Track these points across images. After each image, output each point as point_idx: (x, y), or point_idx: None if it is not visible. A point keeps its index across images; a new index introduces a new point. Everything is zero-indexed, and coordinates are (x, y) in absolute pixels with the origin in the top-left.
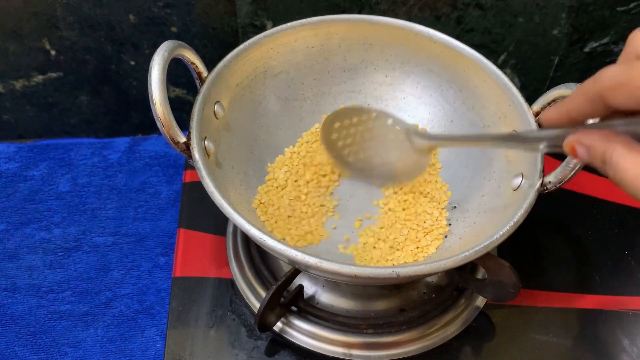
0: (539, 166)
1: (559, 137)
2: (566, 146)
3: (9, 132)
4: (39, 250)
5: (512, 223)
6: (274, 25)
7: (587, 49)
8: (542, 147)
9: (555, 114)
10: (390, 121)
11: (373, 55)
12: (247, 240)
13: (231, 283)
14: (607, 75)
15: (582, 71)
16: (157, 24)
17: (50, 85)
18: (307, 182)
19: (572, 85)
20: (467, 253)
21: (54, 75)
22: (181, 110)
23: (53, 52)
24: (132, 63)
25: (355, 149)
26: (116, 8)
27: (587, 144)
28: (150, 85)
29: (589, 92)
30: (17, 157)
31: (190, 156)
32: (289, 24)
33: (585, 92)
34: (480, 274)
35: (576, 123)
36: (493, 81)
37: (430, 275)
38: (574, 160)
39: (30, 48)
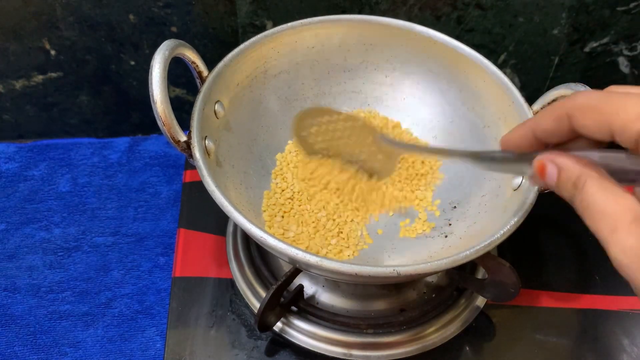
0: None
1: (523, 158)
2: (536, 163)
3: (9, 132)
4: (39, 250)
5: (512, 223)
6: (274, 25)
7: (587, 49)
8: (505, 167)
9: (517, 135)
10: (360, 123)
11: (373, 56)
12: (247, 240)
13: (231, 283)
14: (582, 97)
15: (582, 71)
16: (157, 23)
17: (50, 85)
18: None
19: (572, 85)
20: (467, 252)
21: (54, 75)
22: (181, 110)
23: (53, 52)
24: (132, 63)
25: (326, 145)
26: (116, 8)
27: (560, 164)
28: (151, 84)
29: (558, 110)
30: (17, 157)
31: (190, 155)
32: (289, 24)
33: (554, 110)
34: (481, 273)
35: (539, 145)
36: (493, 81)
37: (430, 274)
38: None
39: (30, 48)
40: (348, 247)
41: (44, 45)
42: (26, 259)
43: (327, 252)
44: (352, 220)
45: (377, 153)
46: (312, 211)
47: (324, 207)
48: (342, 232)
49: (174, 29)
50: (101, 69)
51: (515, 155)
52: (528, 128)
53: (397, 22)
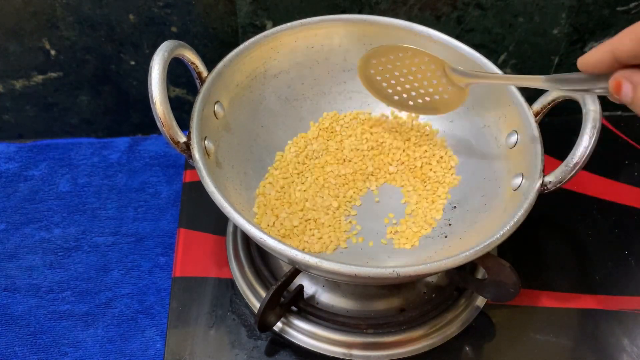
0: (539, 166)
1: (599, 78)
2: (612, 82)
3: (9, 132)
4: (39, 250)
5: (512, 223)
6: (274, 25)
7: (587, 49)
8: (583, 88)
9: (595, 56)
10: (426, 58)
11: None
12: (247, 240)
13: (231, 283)
14: None
15: None
16: (157, 23)
17: (50, 85)
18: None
19: None
20: (467, 253)
21: (54, 75)
22: (181, 110)
23: (53, 52)
24: (132, 63)
25: (393, 82)
26: (116, 8)
27: (637, 81)
28: (151, 84)
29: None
30: (17, 157)
31: (190, 156)
32: (289, 24)
33: (634, 32)
34: (481, 273)
35: (618, 67)
36: None
37: (430, 275)
38: (574, 160)
39: (30, 48)
40: (340, 242)
41: (44, 45)
42: (26, 259)
43: (314, 247)
44: (349, 216)
45: (447, 85)
46: (307, 208)
47: (317, 202)
48: (335, 226)
49: (174, 29)
50: (101, 69)
51: (591, 76)
52: (607, 49)
53: (397, 21)
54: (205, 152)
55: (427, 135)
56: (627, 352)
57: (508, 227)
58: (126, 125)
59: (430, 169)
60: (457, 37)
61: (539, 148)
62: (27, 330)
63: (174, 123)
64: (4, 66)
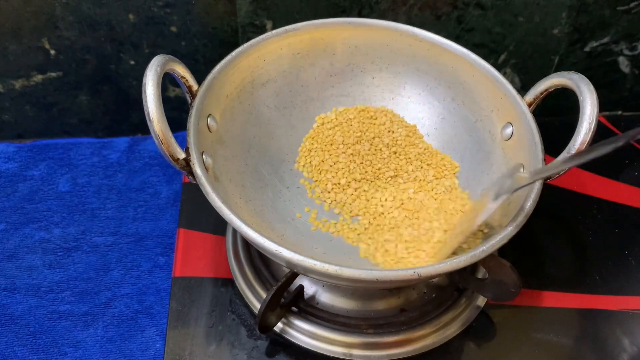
0: (540, 155)
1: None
2: None
3: (9, 131)
4: (39, 250)
5: (524, 214)
6: (274, 25)
7: (587, 49)
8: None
9: None
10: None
11: (359, 58)
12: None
13: (231, 283)
14: None
15: (582, 71)
16: (156, 23)
17: (50, 85)
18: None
19: (565, 73)
20: (493, 241)
21: (53, 74)
22: (181, 110)
23: (52, 52)
24: (132, 62)
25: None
26: (116, 7)
27: None
28: (146, 102)
29: None
30: (17, 157)
31: (190, 172)
32: (274, 32)
33: None
34: (481, 273)
35: None
36: (482, 75)
37: (450, 272)
38: (576, 147)
39: (29, 48)
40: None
41: (44, 44)
42: (26, 259)
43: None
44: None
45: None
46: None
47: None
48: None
49: (173, 28)
50: (101, 68)
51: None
52: None
53: (380, 22)
54: (204, 168)
55: (418, 138)
56: (627, 352)
57: (521, 218)
58: (126, 125)
59: (429, 167)
60: (457, 37)
61: (537, 138)
62: (26, 330)
63: (173, 140)
64: (4, 66)
